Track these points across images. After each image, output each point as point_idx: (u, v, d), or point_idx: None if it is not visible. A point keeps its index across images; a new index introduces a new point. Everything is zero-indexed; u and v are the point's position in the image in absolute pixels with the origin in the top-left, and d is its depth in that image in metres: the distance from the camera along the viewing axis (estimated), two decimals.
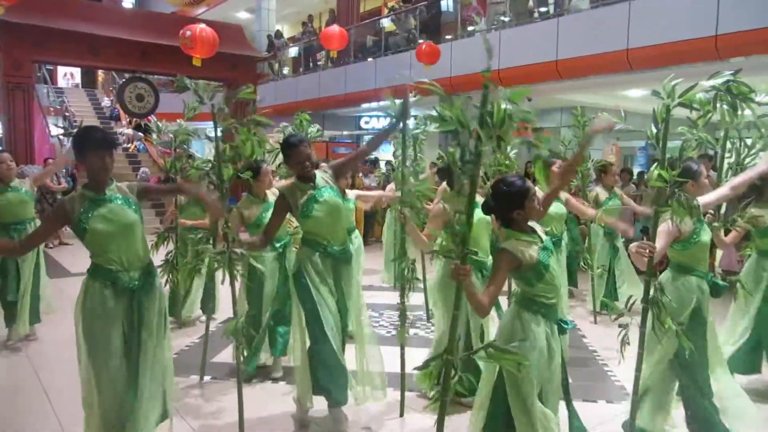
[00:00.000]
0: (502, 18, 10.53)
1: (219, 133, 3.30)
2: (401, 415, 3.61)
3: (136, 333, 2.66)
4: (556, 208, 4.57)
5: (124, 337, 2.65)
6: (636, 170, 11.82)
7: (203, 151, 14.76)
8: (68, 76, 22.45)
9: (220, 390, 4.02)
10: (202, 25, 8.92)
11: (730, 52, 7.23)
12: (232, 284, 3.34)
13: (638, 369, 2.81)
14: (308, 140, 3.45)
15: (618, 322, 2.75)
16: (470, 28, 10.92)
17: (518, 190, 2.43)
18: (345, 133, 17.28)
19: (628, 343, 2.70)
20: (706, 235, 2.98)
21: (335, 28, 10.40)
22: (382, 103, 13.19)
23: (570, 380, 2.70)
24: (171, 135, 4.49)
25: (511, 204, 2.44)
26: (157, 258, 4.59)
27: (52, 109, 16.14)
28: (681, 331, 2.71)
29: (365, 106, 14.27)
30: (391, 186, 6.32)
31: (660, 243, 2.82)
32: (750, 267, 3.99)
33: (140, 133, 17.31)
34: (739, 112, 2.87)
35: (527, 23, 9.95)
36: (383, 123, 16.00)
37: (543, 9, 10.15)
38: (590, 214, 4.76)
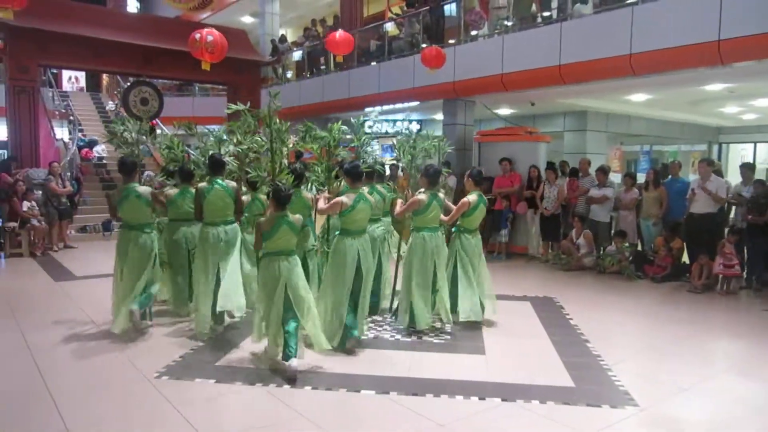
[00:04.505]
0: (506, 23, 10.55)
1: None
2: None
3: None
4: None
5: None
6: (640, 175, 11.77)
7: None
8: (73, 79, 22.54)
9: (231, 395, 3.97)
10: (213, 30, 8.96)
11: (733, 57, 7.23)
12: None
13: None
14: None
15: None
16: (473, 33, 10.94)
17: None
18: (348, 137, 17.24)
19: None
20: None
21: (341, 32, 10.39)
22: (386, 107, 13.22)
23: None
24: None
25: None
26: None
27: (56, 112, 16.16)
28: None
29: (369, 110, 14.32)
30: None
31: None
32: None
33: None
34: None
35: (530, 28, 9.97)
36: (387, 127, 16.04)
37: (546, 14, 10.16)
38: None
